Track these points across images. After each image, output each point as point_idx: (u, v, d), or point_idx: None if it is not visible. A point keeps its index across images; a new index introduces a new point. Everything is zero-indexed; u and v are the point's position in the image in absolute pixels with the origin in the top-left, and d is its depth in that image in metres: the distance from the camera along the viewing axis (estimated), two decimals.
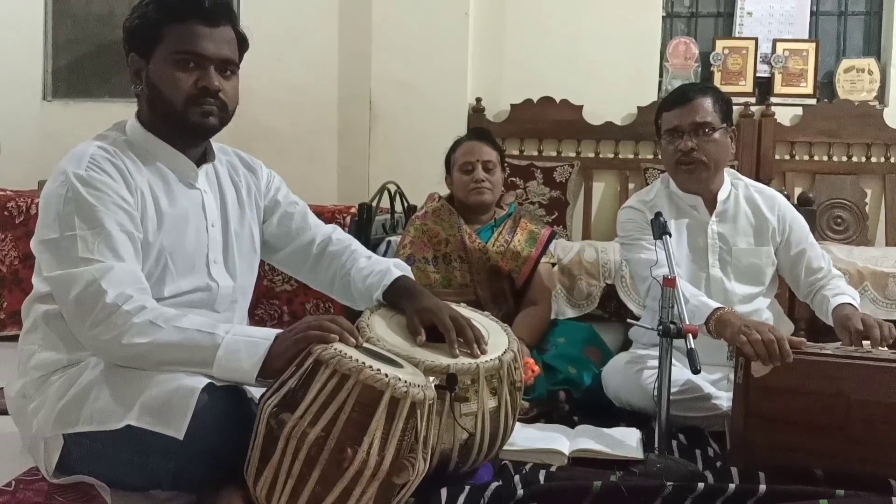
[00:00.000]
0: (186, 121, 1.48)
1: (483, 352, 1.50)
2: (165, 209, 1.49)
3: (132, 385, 1.31)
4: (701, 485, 1.44)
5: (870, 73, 3.56)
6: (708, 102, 2.04)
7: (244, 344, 1.32)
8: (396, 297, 1.61)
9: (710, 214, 2.10)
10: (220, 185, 1.62)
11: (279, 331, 1.36)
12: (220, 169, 1.63)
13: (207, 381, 1.30)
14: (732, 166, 2.15)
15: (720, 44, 3.66)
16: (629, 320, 2.23)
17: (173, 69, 1.46)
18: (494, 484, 1.48)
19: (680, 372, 1.87)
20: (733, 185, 2.14)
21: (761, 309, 2.09)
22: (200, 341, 1.32)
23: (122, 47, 1.54)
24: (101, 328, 1.32)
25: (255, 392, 1.38)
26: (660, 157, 3.53)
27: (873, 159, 3.51)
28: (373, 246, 2.67)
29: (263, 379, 1.32)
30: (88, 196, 1.38)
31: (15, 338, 2.90)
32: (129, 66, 1.52)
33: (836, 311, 1.95)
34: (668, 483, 1.45)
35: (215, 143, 1.64)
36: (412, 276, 1.69)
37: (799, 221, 2.13)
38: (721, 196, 2.11)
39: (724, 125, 2.05)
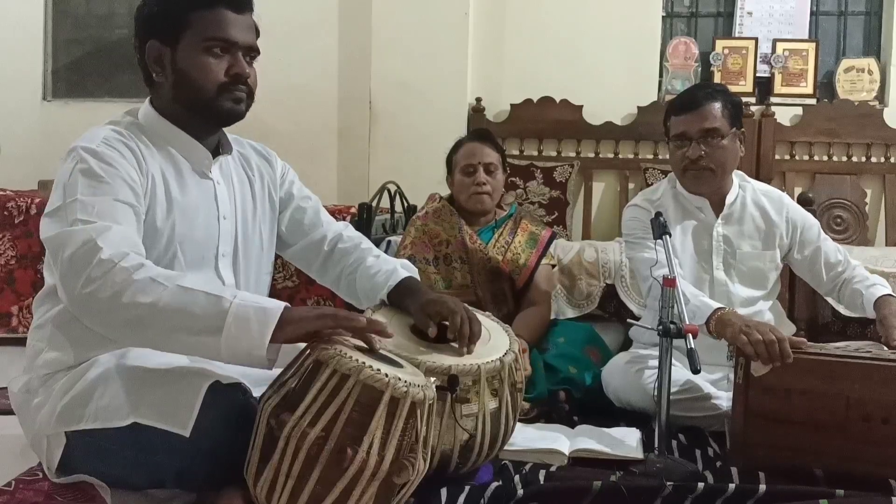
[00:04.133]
0: (219, 108, 1.48)
1: (469, 352, 1.49)
2: (176, 196, 1.48)
3: (137, 383, 1.31)
4: (701, 485, 1.45)
5: (870, 73, 3.57)
6: (716, 108, 2.02)
7: (254, 311, 1.25)
8: (400, 297, 1.61)
9: (717, 216, 2.10)
10: (233, 180, 1.61)
11: (288, 304, 1.30)
12: (233, 164, 1.62)
13: (214, 378, 1.29)
14: None
15: (720, 44, 3.66)
16: (629, 320, 2.23)
17: (205, 56, 1.45)
18: (494, 484, 1.48)
19: (680, 372, 1.87)
20: (741, 188, 2.13)
21: (763, 311, 2.09)
22: (207, 304, 1.24)
23: (135, 35, 1.50)
24: (98, 285, 1.25)
25: (257, 391, 1.38)
26: (660, 157, 3.57)
27: (873, 159, 3.51)
28: None
29: (273, 346, 1.27)
30: (96, 167, 1.37)
31: (4, 340, 2.93)
32: (148, 55, 1.48)
33: (879, 304, 1.94)
34: (668, 483, 1.45)
35: (229, 133, 1.62)
36: (418, 278, 1.69)
37: (808, 221, 2.13)
38: (728, 199, 2.10)
39: (733, 130, 2.04)
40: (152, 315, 1.24)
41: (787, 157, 3.56)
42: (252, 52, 1.51)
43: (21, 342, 2.85)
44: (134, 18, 1.51)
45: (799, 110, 3.56)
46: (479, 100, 3.66)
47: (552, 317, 2.49)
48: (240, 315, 1.24)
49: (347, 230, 1.77)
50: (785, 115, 3.55)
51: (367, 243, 1.75)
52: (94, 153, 1.38)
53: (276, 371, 1.37)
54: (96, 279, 1.25)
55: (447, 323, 1.51)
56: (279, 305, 1.28)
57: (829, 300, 2.15)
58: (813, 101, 3.58)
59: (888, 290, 1.98)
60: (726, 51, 3.64)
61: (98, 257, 1.26)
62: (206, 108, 1.48)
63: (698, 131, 2.01)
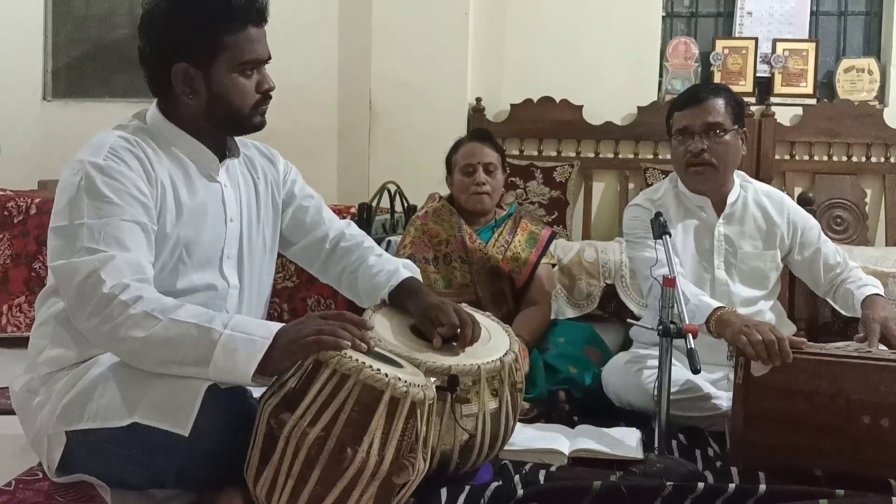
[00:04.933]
0: (249, 124, 1.52)
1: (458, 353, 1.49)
2: (185, 200, 1.48)
3: (137, 382, 1.31)
4: (701, 485, 1.44)
5: (870, 73, 3.57)
6: (720, 103, 2.03)
7: (242, 342, 1.26)
8: (402, 297, 1.61)
9: (718, 216, 2.10)
10: (239, 182, 1.61)
11: (280, 325, 1.31)
12: (238, 166, 1.63)
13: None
14: None
15: (720, 44, 3.66)
16: (629, 320, 2.23)
17: (240, 79, 1.47)
18: (494, 484, 1.48)
19: (680, 372, 1.87)
20: (742, 188, 2.13)
21: (763, 311, 2.09)
22: (198, 337, 1.27)
23: (152, 51, 1.47)
24: (99, 319, 1.29)
25: (257, 391, 1.38)
26: (660, 157, 3.56)
27: (873, 159, 3.51)
28: None
29: (261, 377, 1.29)
30: (102, 185, 1.36)
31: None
32: (175, 76, 1.45)
33: (865, 304, 1.95)
34: (668, 483, 1.45)
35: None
36: (420, 278, 1.69)
37: (809, 222, 2.13)
38: (730, 199, 2.10)
39: (736, 127, 2.04)
40: (145, 348, 1.28)
41: (787, 157, 3.56)
42: (269, 60, 1.53)
43: (9, 342, 2.85)
44: (151, 32, 1.47)
45: (799, 110, 3.56)
46: (479, 100, 3.66)
47: (552, 317, 2.49)
48: (227, 347, 1.26)
49: (350, 228, 1.77)
50: (785, 115, 3.55)
51: (369, 241, 1.75)
52: (101, 168, 1.38)
53: None
54: (98, 313, 1.29)
55: (443, 326, 1.51)
56: (269, 335, 1.27)
57: (828, 300, 2.16)
58: (813, 101, 3.58)
59: (878, 291, 1.99)
60: (726, 51, 3.64)
61: (101, 291, 1.29)
62: (237, 124, 1.52)
63: (701, 125, 2.02)
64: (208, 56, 1.45)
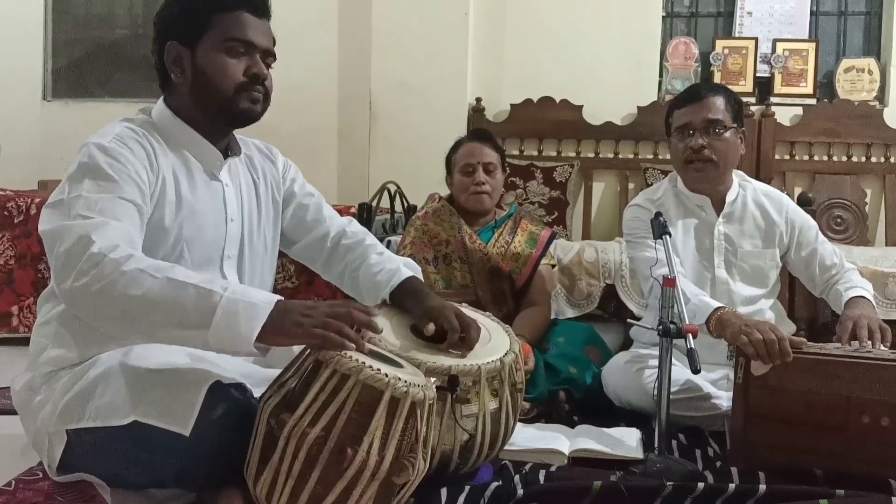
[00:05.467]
0: (235, 108, 1.49)
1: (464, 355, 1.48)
2: (186, 196, 1.48)
3: (138, 381, 1.30)
4: (701, 485, 1.44)
5: (870, 73, 3.57)
6: (720, 101, 2.04)
7: (243, 306, 1.23)
8: (402, 297, 1.61)
9: (718, 215, 2.11)
10: (240, 182, 1.62)
11: (279, 298, 1.29)
12: (240, 166, 1.63)
13: (214, 378, 1.29)
14: None
15: (720, 44, 3.66)
16: (629, 320, 2.23)
17: (224, 56, 1.47)
18: (494, 484, 1.48)
19: (680, 371, 1.87)
20: (741, 187, 2.14)
21: (764, 310, 2.10)
22: (196, 299, 1.23)
23: (154, 38, 1.52)
24: (89, 278, 1.23)
25: (257, 391, 1.38)
26: (660, 157, 3.57)
27: (873, 159, 3.52)
28: None
29: (260, 346, 1.26)
30: (104, 164, 1.37)
31: (5, 341, 2.94)
32: (167, 55, 1.49)
33: (847, 305, 1.97)
34: (668, 483, 1.45)
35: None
36: (421, 277, 1.69)
37: (807, 223, 2.14)
38: (729, 197, 2.11)
39: (735, 125, 2.06)
40: (141, 308, 1.23)
41: (787, 157, 3.56)
42: (269, 56, 1.53)
43: (21, 342, 2.85)
44: (154, 23, 1.53)
45: (799, 110, 3.56)
46: (479, 100, 3.66)
47: (552, 317, 2.49)
48: (228, 310, 1.22)
49: (351, 226, 1.77)
50: (785, 115, 3.55)
51: (371, 239, 1.75)
52: (104, 149, 1.39)
53: (277, 371, 1.37)
54: (87, 272, 1.24)
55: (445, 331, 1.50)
56: (270, 301, 1.26)
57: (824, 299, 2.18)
58: (813, 101, 3.59)
59: (865, 294, 2.00)
60: (726, 51, 3.65)
61: (90, 251, 1.25)
62: (223, 109, 1.50)
63: (702, 121, 2.03)
64: (197, 33, 1.47)
